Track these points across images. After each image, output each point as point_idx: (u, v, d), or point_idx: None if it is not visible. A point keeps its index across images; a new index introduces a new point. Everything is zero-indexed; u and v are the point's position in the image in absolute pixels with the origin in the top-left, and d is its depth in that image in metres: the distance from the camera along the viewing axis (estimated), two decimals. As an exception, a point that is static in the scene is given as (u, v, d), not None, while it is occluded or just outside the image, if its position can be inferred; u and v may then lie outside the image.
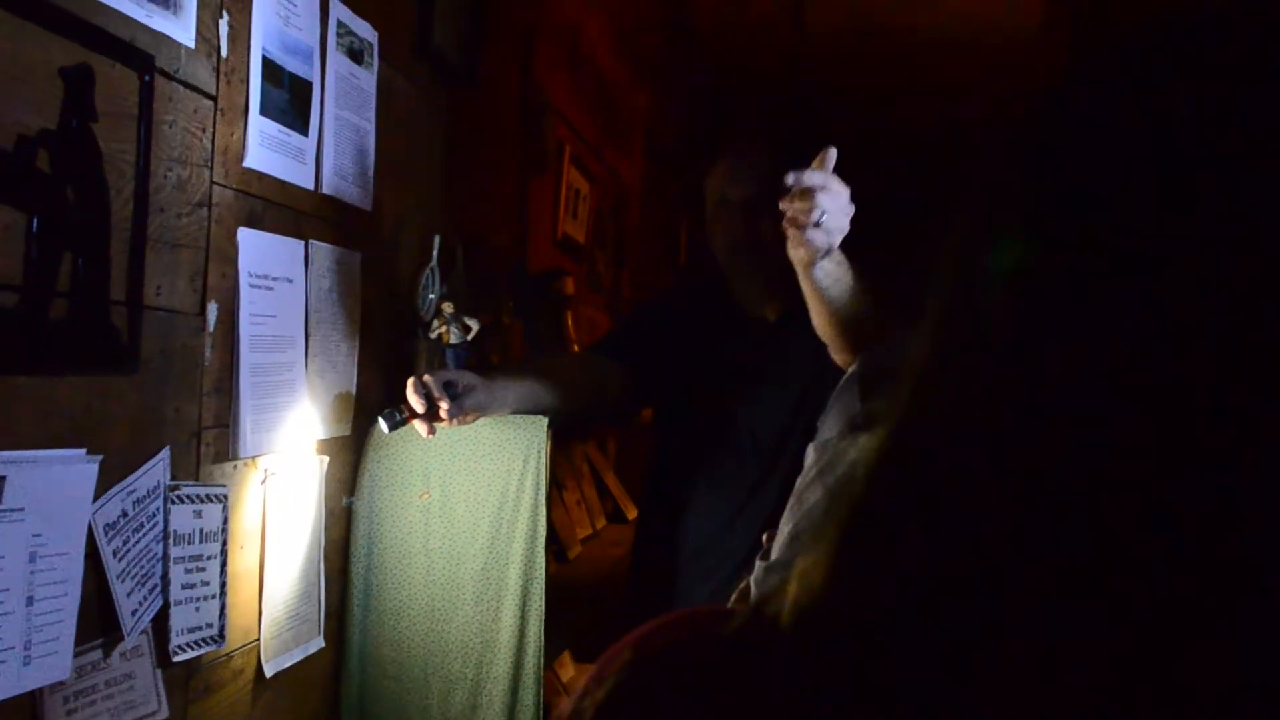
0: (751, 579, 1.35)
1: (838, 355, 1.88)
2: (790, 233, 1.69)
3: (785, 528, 1.32)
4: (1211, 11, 0.44)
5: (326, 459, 1.96)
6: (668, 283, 5.44)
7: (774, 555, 1.33)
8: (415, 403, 1.90)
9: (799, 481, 1.34)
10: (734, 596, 1.39)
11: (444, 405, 1.87)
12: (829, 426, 1.33)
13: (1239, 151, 0.41)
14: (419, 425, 1.94)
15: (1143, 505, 0.40)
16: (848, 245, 1.74)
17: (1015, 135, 0.49)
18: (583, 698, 0.54)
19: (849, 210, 1.69)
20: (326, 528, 1.98)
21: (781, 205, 1.67)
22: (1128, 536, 0.40)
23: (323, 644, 1.97)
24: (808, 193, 1.64)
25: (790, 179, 1.65)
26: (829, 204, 1.64)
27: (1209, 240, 0.40)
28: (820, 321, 1.85)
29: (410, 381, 1.91)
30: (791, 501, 1.33)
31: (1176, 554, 0.39)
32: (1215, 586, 0.39)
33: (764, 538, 1.39)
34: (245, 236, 1.64)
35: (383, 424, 1.95)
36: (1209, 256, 0.40)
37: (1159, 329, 0.40)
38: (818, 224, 1.64)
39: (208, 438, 1.58)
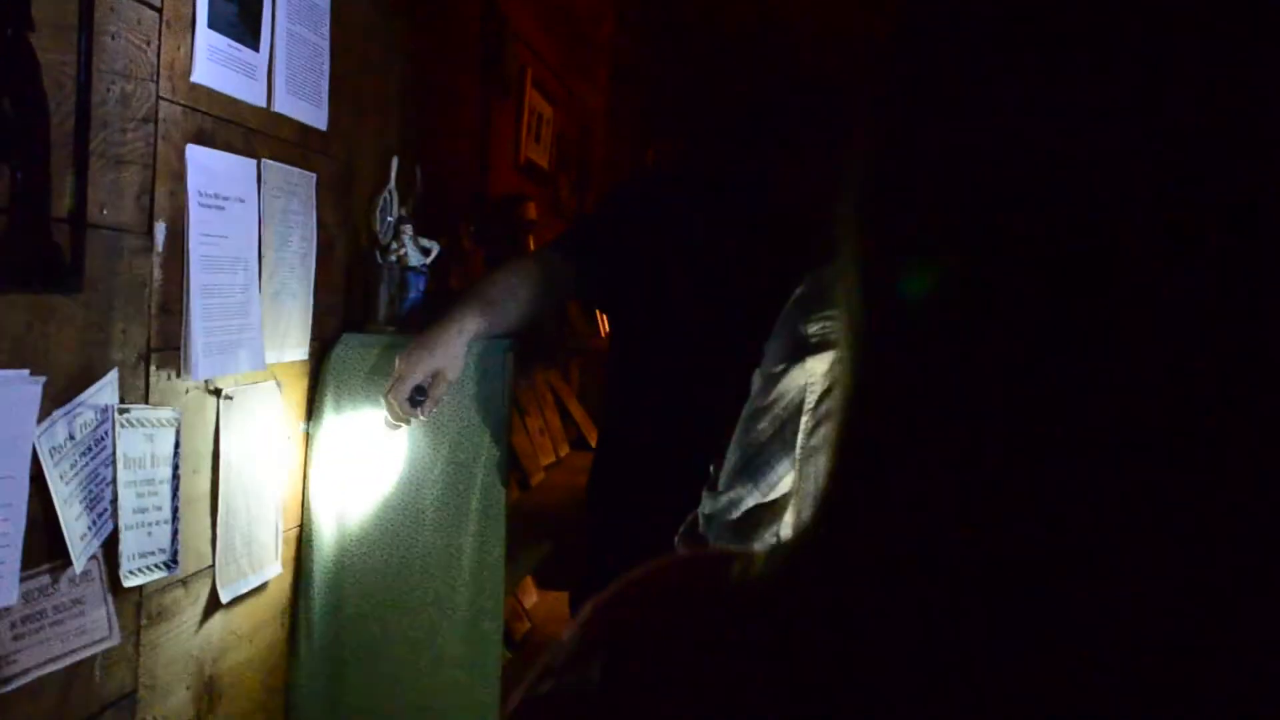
0: (700, 510, 1.34)
1: None
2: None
3: (731, 457, 1.30)
4: None
5: (283, 383, 1.93)
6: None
7: (720, 486, 1.31)
8: (397, 423, 1.97)
9: (745, 409, 1.31)
10: (682, 528, 1.38)
11: (422, 415, 1.93)
12: (774, 355, 1.30)
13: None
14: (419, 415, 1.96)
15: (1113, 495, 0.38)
16: None
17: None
18: (563, 671, 0.50)
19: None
20: (283, 453, 1.96)
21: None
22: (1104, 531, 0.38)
23: (280, 570, 1.96)
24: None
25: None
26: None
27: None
28: None
29: (384, 417, 1.98)
30: (738, 431, 1.31)
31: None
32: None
33: (711, 468, 1.37)
34: (194, 154, 1.59)
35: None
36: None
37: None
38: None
39: (157, 360, 1.54)
